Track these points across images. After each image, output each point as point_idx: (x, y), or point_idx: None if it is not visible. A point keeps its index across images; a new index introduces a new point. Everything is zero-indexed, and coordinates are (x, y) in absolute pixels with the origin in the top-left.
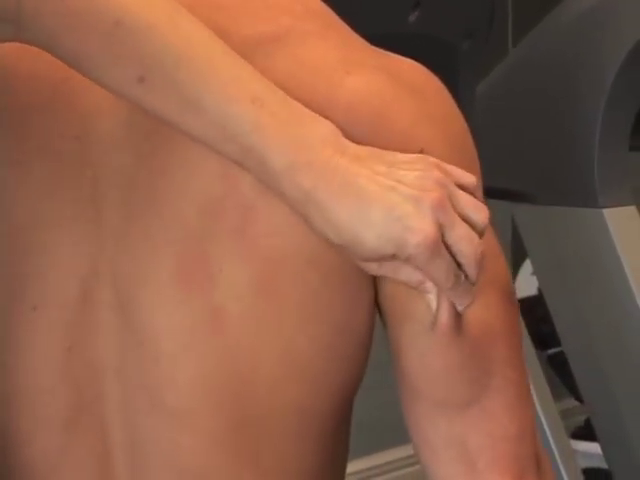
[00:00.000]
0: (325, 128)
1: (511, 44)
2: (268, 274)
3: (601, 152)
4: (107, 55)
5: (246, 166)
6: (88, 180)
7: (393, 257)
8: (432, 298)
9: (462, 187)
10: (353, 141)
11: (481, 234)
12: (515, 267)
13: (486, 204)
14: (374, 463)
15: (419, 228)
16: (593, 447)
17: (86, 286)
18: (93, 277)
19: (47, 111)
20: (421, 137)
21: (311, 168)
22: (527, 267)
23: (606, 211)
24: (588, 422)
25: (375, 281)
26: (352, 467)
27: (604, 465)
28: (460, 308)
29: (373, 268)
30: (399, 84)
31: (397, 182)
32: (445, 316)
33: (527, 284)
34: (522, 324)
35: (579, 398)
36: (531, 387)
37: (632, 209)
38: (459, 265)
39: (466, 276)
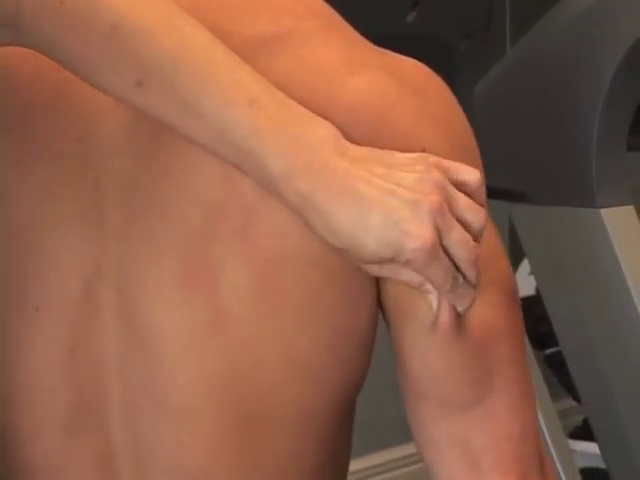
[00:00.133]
0: (324, 129)
1: (509, 44)
2: (270, 275)
3: (599, 152)
4: (105, 59)
5: (245, 170)
6: (90, 181)
7: (392, 260)
8: (433, 298)
9: (464, 184)
10: (354, 142)
11: (479, 236)
12: (513, 267)
13: (485, 204)
14: (372, 463)
15: (417, 233)
16: (591, 447)
17: (88, 287)
18: (95, 278)
19: (49, 112)
20: (422, 137)
21: (309, 172)
22: (525, 267)
23: (604, 211)
24: (586, 422)
25: (377, 281)
26: (351, 466)
27: (602, 465)
28: (460, 309)
29: (374, 270)
30: (402, 84)
31: (396, 185)
32: (446, 316)
33: (525, 284)
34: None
35: (577, 398)
36: None
37: (630, 209)
38: (458, 267)
39: (465, 278)
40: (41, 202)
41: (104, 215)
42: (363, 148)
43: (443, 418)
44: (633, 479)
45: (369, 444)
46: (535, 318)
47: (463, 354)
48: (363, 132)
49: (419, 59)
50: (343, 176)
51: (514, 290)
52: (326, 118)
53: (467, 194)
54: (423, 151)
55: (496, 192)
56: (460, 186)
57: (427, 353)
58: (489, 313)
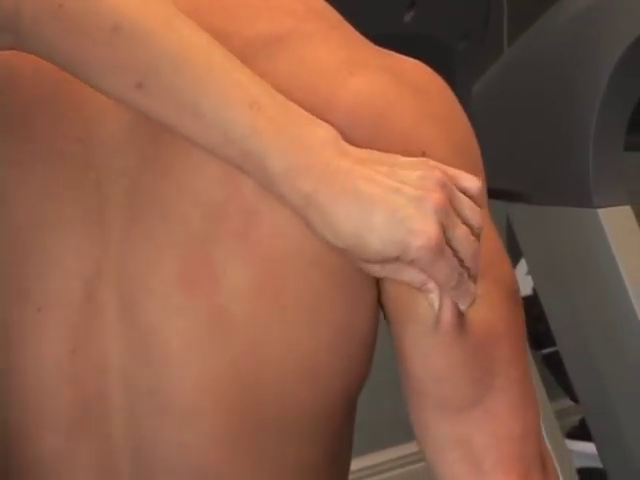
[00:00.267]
0: (324, 131)
1: (506, 44)
2: (271, 276)
3: (596, 152)
4: (105, 61)
5: (246, 170)
6: (91, 182)
7: (396, 259)
8: (435, 298)
9: (465, 190)
10: (354, 142)
11: (478, 235)
12: None
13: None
14: (372, 462)
15: (422, 230)
16: (588, 447)
17: (89, 288)
18: (96, 279)
19: (50, 112)
20: (423, 137)
21: (310, 172)
22: (522, 267)
23: (601, 211)
24: (583, 422)
25: (378, 282)
26: (351, 466)
27: (599, 465)
28: (463, 307)
29: (375, 270)
30: (402, 84)
31: (399, 183)
32: (448, 315)
33: (522, 284)
34: None
35: (574, 398)
36: None
37: (627, 209)
38: (461, 263)
39: (468, 274)
40: (42, 202)
41: (105, 216)
42: (364, 150)
43: (445, 418)
44: (630, 479)
45: (368, 444)
46: (532, 318)
47: (464, 354)
48: (364, 132)
49: (416, 59)
50: (345, 175)
51: (515, 290)
52: (326, 119)
53: None
54: (423, 153)
55: (494, 192)
56: (461, 191)
57: (428, 353)
58: (490, 313)
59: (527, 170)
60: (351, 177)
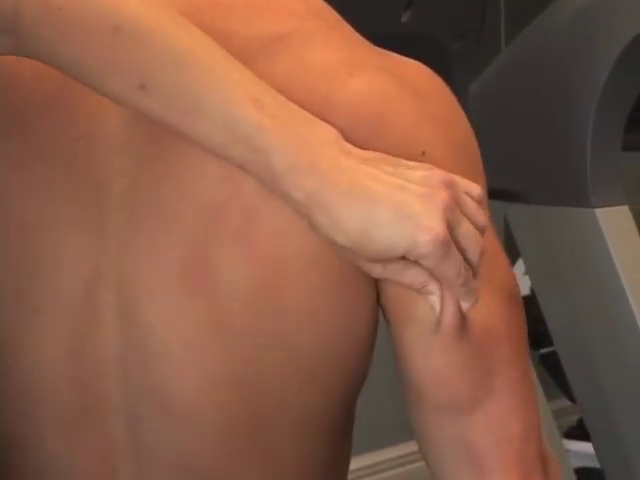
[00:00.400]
0: (326, 131)
1: (504, 44)
2: (271, 276)
3: (594, 152)
4: (107, 63)
5: (249, 169)
6: (91, 182)
7: (400, 259)
8: (435, 299)
9: (466, 194)
10: (354, 143)
11: (482, 234)
12: None
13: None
14: (370, 462)
15: (430, 226)
16: (586, 447)
17: (89, 288)
18: (96, 279)
19: (50, 111)
20: (422, 139)
21: (315, 170)
22: (520, 267)
23: (598, 211)
24: (581, 422)
25: (377, 283)
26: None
27: (597, 465)
28: (466, 306)
29: (377, 271)
30: (402, 85)
31: (405, 181)
32: (449, 317)
33: (520, 284)
34: None
35: (572, 398)
36: None
37: (624, 209)
38: (467, 261)
39: (473, 271)
40: (41, 202)
41: (104, 215)
42: (366, 150)
43: (444, 419)
44: (628, 479)
45: (367, 443)
46: (530, 318)
47: (464, 355)
48: (363, 133)
49: (414, 59)
50: (350, 174)
51: (515, 291)
52: (326, 119)
53: None
54: (423, 154)
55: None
56: None
57: (428, 354)
58: (489, 314)
59: (525, 170)
60: (356, 175)
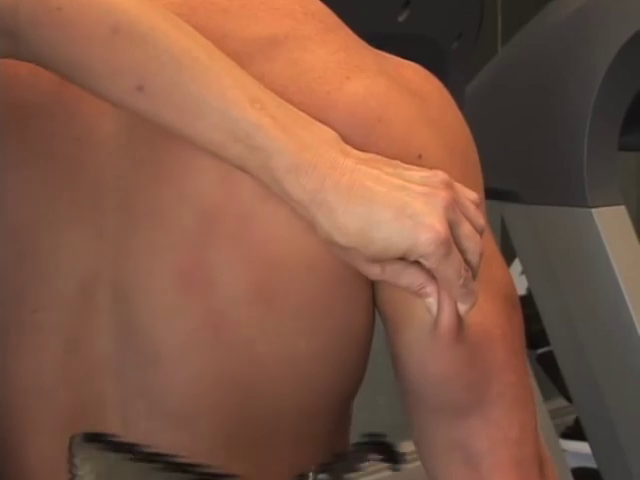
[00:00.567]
0: (325, 132)
1: (500, 44)
2: (267, 279)
3: (590, 152)
4: (105, 64)
5: (248, 169)
6: (88, 183)
7: (399, 260)
8: (432, 302)
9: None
10: (351, 146)
11: (481, 234)
12: None
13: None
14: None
15: (431, 225)
16: (582, 447)
17: (85, 290)
18: (93, 281)
19: (47, 112)
20: (419, 141)
21: (316, 169)
22: (516, 267)
23: (595, 211)
24: (577, 422)
25: (374, 286)
26: None
27: (593, 465)
28: (465, 308)
29: (376, 272)
30: (399, 87)
31: (405, 181)
32: (446, 319)
33: (516, 284)
34: None
35: (568, 398)
36: None
37: (621, 209)
38: (466, 262)
39: (473, 275)
40: (38, 204)
41: (102, 217)
42: (365, 152)
43: (441, 422)
44: (624, 479)
45: None
46: (526, 318)
47: (460, 358)
48: (360, 136)
49: (410, 59)
50: (350, 174)
51: (512, 295)
52: (323, 121)
53: None
54: (420, 157)
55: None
56: None
57: (424, 357)
58: (486, 318)
59: (522, 170)
60: (356, 175)
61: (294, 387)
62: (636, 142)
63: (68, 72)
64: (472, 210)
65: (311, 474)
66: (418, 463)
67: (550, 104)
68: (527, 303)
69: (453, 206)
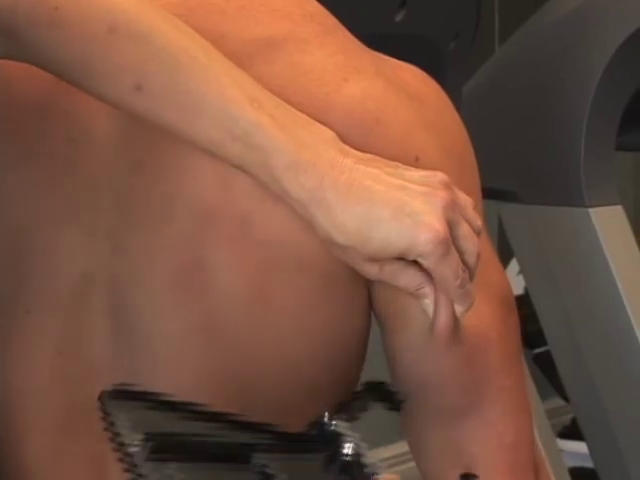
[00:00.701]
0: (324, 132)
1: (498, 43)
2: (262, 280)
3: (587, 151)
4: (103, 64)
5: (247, 168)
6: (83, 184)
7: (397, 260)
8: (429, 303)
9: None
10: (350, 147)
11: (477, 235)
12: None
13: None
14: None
15: (430, 225)
16: (579, 446)
17: (80, 290)
18: (87, 281)
19: (42, 113)
20: (416, 143)
21: (315, 168)
22: (514, 266)
23: (592, 210)
24: (575, 421)
25: (370, 287)
26: None
27: (590, 464)
28: (461, 309)
29: (374, 272)
30: (396, 89)
31: (405, 181)
32: (443, 321)
33: (514, 284)
34: None
35: (565, 397)
36: None
37: (618, 209)
38: (463, 262)
39: (470, 276)
40: (32, 204)
41: (97, 217)
42: (363, 153)
43: (436, 425)
44: (621, 478)
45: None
46: (523, 318)
47: (455, 361)
48: (358, 138)
49: (407, 59)
50: (349, 173)
51: (509, 297)
52: (321, 122)
53: None
54: (417, 159)
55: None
56: None
57: (419, 359)
58: (483, 320)
59: (519, 169)
60: (355, 174)
61: (290, 387)
62: (633, 142)
63: (67, 72)
64: (470, 211)
65: (326, 414)
66: (412, 464)
67: (547, 104)
68: (524, 303)
69: (452, 206)
